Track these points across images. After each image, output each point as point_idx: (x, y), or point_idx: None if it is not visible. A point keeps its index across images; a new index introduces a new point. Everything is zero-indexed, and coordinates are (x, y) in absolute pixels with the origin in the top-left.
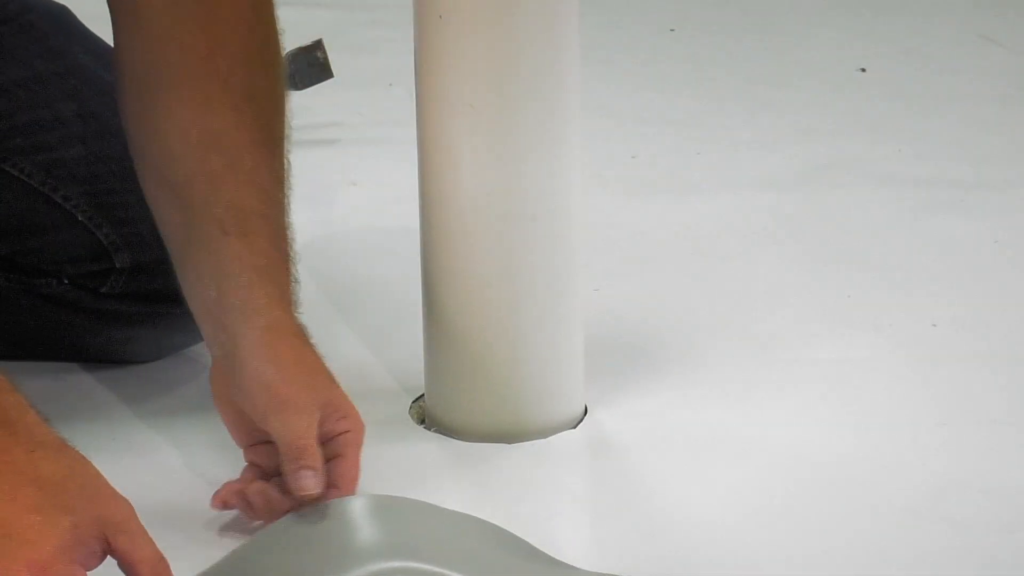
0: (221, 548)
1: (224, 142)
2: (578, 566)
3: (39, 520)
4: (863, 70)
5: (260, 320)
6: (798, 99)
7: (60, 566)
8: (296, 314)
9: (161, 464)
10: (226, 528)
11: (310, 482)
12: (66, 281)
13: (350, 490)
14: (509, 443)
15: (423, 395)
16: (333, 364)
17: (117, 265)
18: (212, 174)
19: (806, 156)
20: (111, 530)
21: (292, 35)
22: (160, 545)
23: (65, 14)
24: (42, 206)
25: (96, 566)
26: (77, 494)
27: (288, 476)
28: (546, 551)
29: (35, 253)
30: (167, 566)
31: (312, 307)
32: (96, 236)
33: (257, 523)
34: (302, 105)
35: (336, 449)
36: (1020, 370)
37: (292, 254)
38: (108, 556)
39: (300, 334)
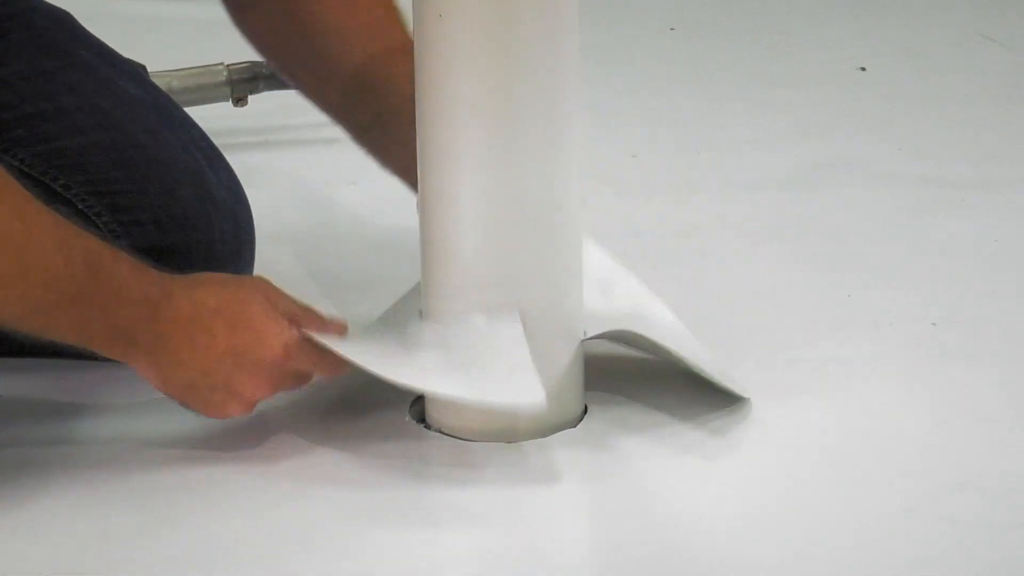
0: (227, 547)
1: (377, 31)
2: (579, 567)
3: (247, 335)
4: (863, 70)
5: None
6: (798, 99)
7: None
8: None
9: (165, 464)
10: (235, 528)
11: None
12: None
13: None
14: (509, 443)
15: (423, 394)
16: None
17: None
18: (380, 55)
19: (806, 156)
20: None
21: None
22: (165, 544)
23: (68, 18)
24: (41, 194)
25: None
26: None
27: None
28: (546, 551)
29: None
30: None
31: (311, 306)
32: (96, 224)
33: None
34: (302, 104)
35: None
36: (1020, 370)
37: None
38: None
39: None
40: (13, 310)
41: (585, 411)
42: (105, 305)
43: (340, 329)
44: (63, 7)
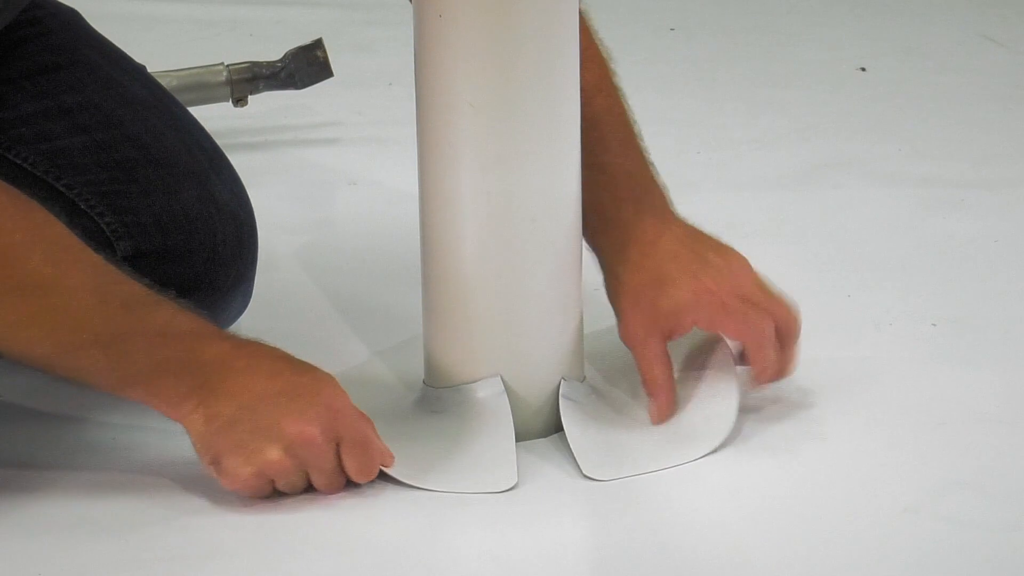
0: (226, 547)
1: None
2: (579, 567)
3: (309, 379)
4: (863, 70)
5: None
6: (798, 99)
7: (348, 407)
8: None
9: (164, 465)
10: (234, 527)
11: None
12: None
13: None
14: None
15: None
16: (334, 364)
17: (119, 254)
18: None
19: (806, 156)
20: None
21: (292, 34)
22: (165, 544)
23: (74, 15)
24: (45, 194)
25: None
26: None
27: None
28: (546, 551)
29: None
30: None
31: (312, 306)
32: (99, 224)
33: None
34: (302, 104)
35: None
36: (1020, 370)
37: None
38: None
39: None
40: (39, 351)
41: None
42: (148, 340)
43: (387, 458)
44: (68, 5)
